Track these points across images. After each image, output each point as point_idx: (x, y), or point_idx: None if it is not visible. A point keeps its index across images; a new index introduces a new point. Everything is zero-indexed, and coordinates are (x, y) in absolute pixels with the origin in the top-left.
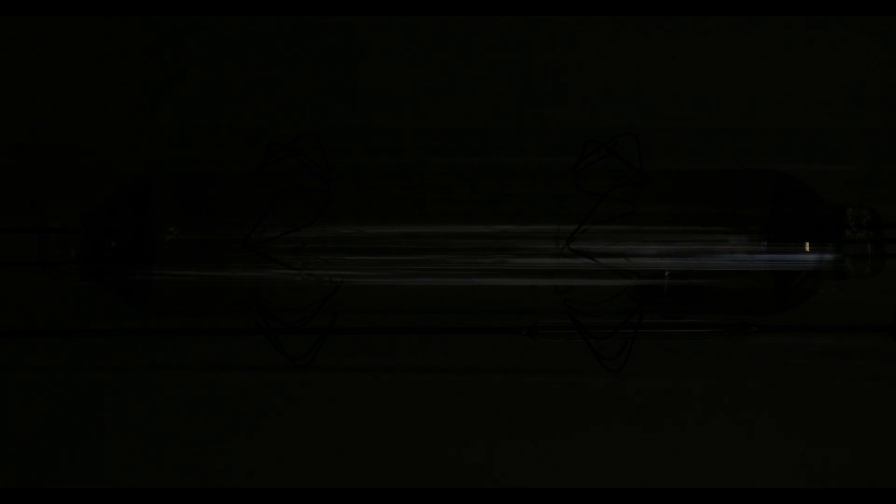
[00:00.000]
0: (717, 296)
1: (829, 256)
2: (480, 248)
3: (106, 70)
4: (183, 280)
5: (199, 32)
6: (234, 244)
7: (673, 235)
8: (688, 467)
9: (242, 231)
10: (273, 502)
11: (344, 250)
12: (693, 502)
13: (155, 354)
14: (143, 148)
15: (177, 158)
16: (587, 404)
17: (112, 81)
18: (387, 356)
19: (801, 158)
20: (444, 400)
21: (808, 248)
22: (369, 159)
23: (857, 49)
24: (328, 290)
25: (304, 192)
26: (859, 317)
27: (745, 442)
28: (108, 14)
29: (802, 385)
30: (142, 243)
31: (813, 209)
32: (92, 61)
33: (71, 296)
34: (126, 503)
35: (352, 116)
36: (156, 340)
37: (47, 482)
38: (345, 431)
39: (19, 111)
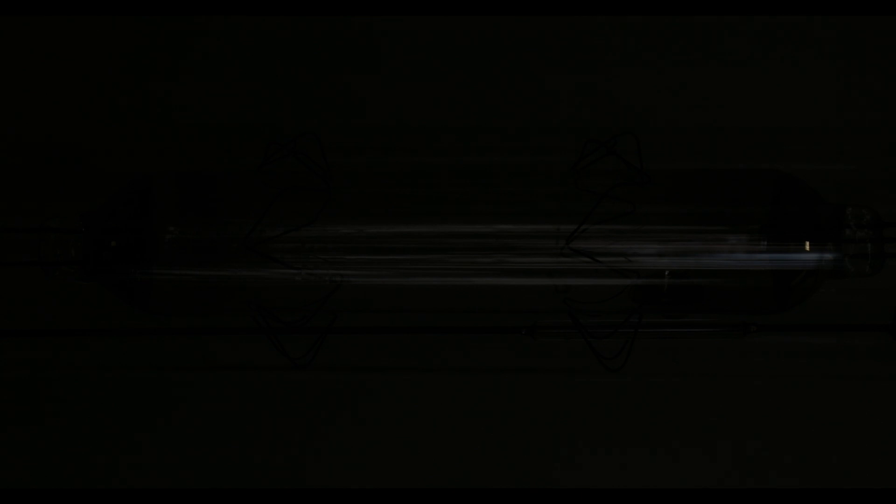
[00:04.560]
0: (716, 295)
1: (829, 256)
2: (480, 248)
3: (106, 70)
4: (183, 280)
5: (200, 32)
6: (234, 244)
7: (673, 235)
8: (688, 467)
9: (242, 231)
10: (273, 502)
11: (344, 250)
12: (693, 502)
13: (154, 354)
14: (143, 148)
15: (177, 158)
16: (587, 403)
17: (113, 81)
18: (387, 356)
19: (801, 158)
20: (445, 400)
21: (808, 248)
22: (369, 159)
23: (857, 49)
24: (328, 289)
25: (304, 192)
26: (859, 317)
27: (745, 441)
28: (108, 14)
29: (802, 385)
30: (142, 243)
31: (813, 209)
32: (92, 61)
33: (71, 296)
34: (122, 503)
35: (352, 116)
36: (156, 340)
37: (43, 483)
38: (345, 431)
39: (19, 111)
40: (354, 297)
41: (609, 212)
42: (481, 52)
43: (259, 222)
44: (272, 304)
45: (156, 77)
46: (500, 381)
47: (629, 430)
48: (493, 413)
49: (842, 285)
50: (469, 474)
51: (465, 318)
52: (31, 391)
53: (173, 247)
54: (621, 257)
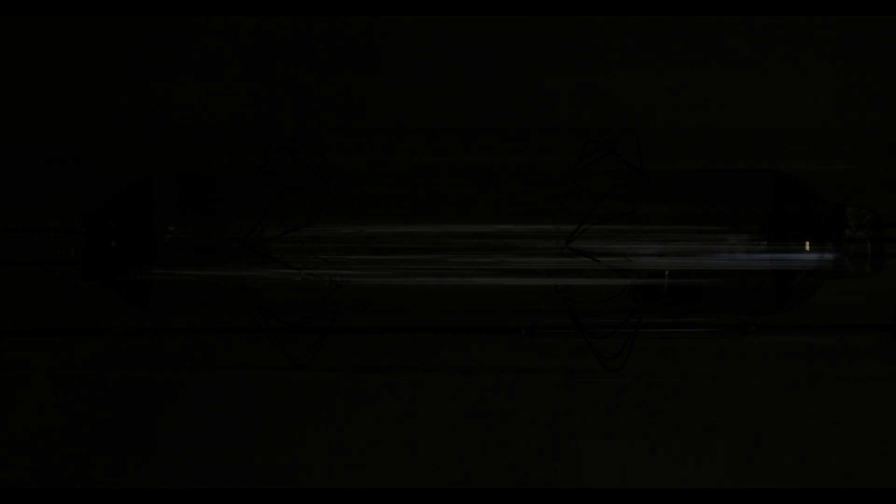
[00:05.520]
0: (716, 295)
1: (829, 256)
2: (480, 248)
3: (107, 70)
4: (183, 280)
5: (200, 32)
6: (234, 244)
7: (673, 235)
8: (688, 467)
9: (242, 231)
10: (273, 502)
11: (344, 250)
12: (693, 502)
13: (155, 354)
14: (143, 148)
15: (177, 158)
16: (587, 404)
17: (113, 81)
18: (386, 356)
19: (801, 158)
20: (445, 400)
21: (808, 248)
22: (369, 159)
23: (857, 49)
24: (328, 289)
25: (304, 192)
26: (859, 317)
27: (746, 441)
28: (108, 14)
29: (802, 385)
30: (142, 243)
31: (813, 209)
32: (92, 61)
33: (71, 296)
34: (122, 503)
35: (352, 116)
36: (156, 340)
37: (43, 483)
38: (345, 431)
39: (20, 111)
40: (354, 297)
41: (609, 212)
42: (481, 52)
43: (259, 222)
44: (272, 304)
45: (156, 77)
46: (500, 381)
47: (629, 431)
48: (493, 413)
49: (842, 285)
50: (469, 474)
51: (465, 318)
52: (31, 391)
53: (173, 247)
54: (621, 257)
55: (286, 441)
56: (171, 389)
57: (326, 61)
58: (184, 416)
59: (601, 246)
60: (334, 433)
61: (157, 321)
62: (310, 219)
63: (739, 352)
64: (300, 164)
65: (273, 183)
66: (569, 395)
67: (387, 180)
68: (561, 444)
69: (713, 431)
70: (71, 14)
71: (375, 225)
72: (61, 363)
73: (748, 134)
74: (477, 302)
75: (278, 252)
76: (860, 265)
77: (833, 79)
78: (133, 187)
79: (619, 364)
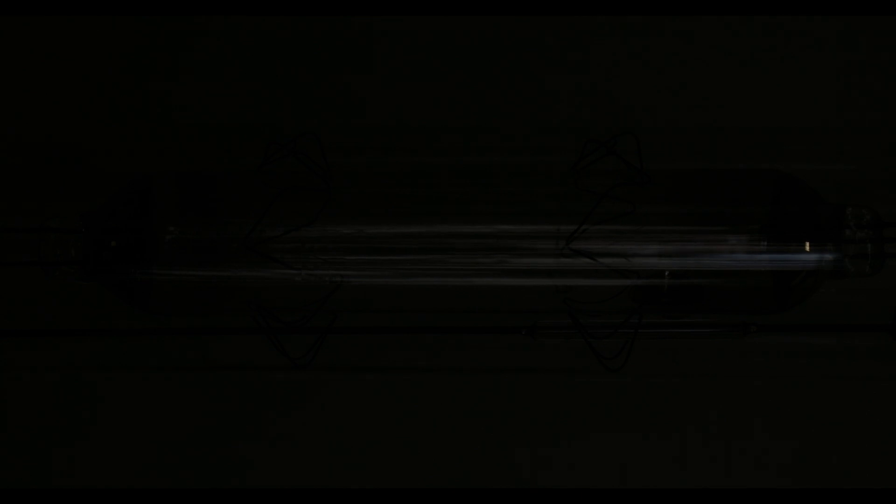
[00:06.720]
0: (716, 295)
1: (829, 256)
2: (481, 248)
3: (106, 70)
4: (183, 280)
5: (200, 33)
6: (234, 244)
7: (673, 235)
8: (687, 467)
9: (242, 231)
10: (273, 502)
11: (344, 250)
12: (693, 502)
13: (154, 354)
14: (143, 148)
15: (177, 158)
16: (587, 404)
17: (113, 81)
18: (387, 356)
19: (801, 158)
20: (445, 400)
21: (808, 248)
22: (369, 159)
23: (857, 49)
24: (328, 289)
25: (304, 192)
26: (859, 317)
27: (745, 441)
28: (108, 14)
29: (802, 385)
30: (142, 243)
31: (813, 209)
32: (92, 61)
33: (71, 296)
34: (122, 503)
35: (352, 116)
36: (156, 340)
37: (43, 483)
38: (344, 431)
39: (20, 111)
40: (354, 297)
41: (609, 212)
42: (481, 52)
43: (259, 222)
44: (272, 304)
45: (156, 77)
46: (500, 381)
47: (629, 431)
48: (493, 413)
49: (842, 285)
50: (469, 474)
51: (466, 318)
52: (31, 391)
53: (173, 247)
54: (621, 258)
55: (286, 441)
56: (172, 389)
57: (326, 61)
58: (184, 416)
59: (601, 246)
60: (334, 433)
61: (157, 321)
62: (310, 219)
63: (739, 352)
64: (300, 164)
65: (273, 183)
66: (569, 395)
67: (387, 180)
68: (561, 444)
69: (713, 431)
70: (71, 14)
71: (375, 225)
72: (61, 363)
73: (748, 134)
74: (477, 302)
75: (278, 252)
76: (860, 265)
77: (833, 79)
78: (133, 187)
79: (619, 364)
